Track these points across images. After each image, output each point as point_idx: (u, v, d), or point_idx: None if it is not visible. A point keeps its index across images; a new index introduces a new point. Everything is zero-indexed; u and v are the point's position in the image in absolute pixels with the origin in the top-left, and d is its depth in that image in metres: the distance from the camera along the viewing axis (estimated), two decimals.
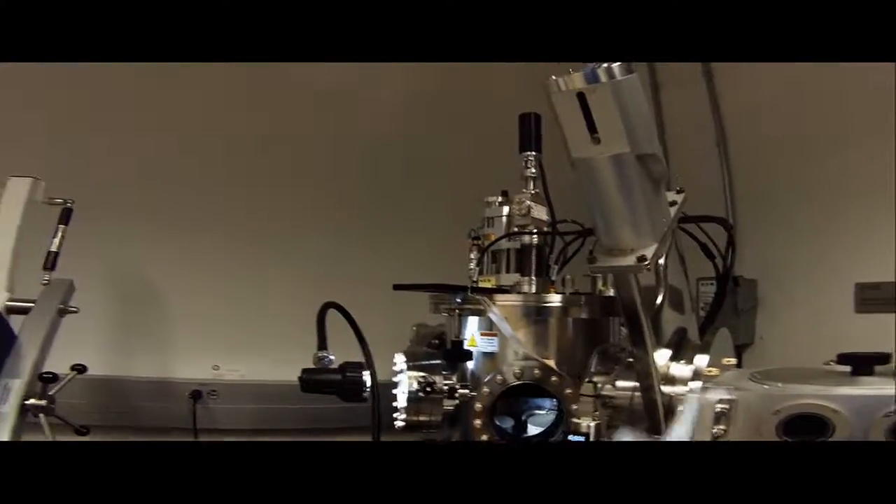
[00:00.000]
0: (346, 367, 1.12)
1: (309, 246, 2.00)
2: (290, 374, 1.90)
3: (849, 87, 1.70)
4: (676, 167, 2.37)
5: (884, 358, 0.87)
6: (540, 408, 1.03)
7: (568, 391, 0.95)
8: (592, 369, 0.95)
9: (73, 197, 1.45)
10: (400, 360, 1.11)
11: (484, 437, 0.94)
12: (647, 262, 0.75)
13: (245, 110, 1.90)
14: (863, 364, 0.87)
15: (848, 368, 0.88)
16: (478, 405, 0.97)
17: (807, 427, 0.78)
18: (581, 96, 0.69)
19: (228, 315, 1.89)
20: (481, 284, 1.17)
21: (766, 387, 0.84)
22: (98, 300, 1.68)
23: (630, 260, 0.76)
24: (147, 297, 1.87)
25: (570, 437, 0.86)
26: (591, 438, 0.84)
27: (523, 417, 1.03)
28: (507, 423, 1.03)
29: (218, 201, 1.90)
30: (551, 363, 0.98)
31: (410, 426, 1.06)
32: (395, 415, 1.09)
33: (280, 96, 1.91)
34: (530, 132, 1.24)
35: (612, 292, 1.11)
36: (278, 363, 1.85)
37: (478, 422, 0.97)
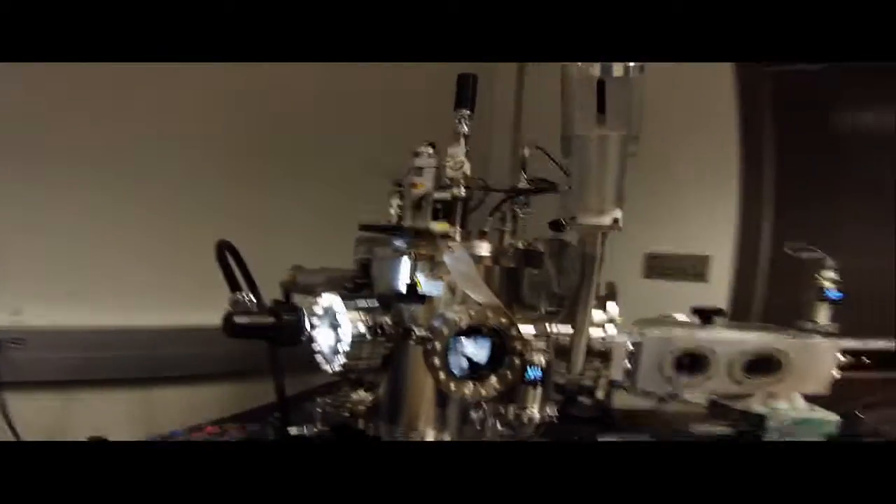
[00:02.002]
0: (278, 307, 1.06)
1: (160, 177, 1.74)
2: (116, 319, 1.68)
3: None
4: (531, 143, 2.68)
5: (720, 311, 1.20)
6: (475, 347, 1.12)
7: (513, 332, 1.07)
8: (544, 312, 1.09)
9: None
10: (336, 302, 1.09)
11: (441, 376, 1.00)
12: (620, 224, 0.91)
13: None
14: (709, 316, 1.19)
15: (697, 319, 1.20)
16: (437, 345, 1.03)
17: (690, 362, 1.06)
18: (601, 83, 0.79)
19: (36, 252, 1.55)
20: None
21: (658, 331, 1.09)
22: None
23: (607, 220, 0.91)
24: None
25: (528, 371, 0.99)
26: (543, 371, 0.99)
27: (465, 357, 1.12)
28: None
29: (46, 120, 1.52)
30: (500, 304, 1.08)
31: (348, 370, 1.06)
32: (320, 357, 1.07)
33: None
34: (468, 91, 1.29)
35: (519, 245, 1.26)
36: (101, 308, 1.61)
37: (436, 360, 1.03)
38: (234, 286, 1.12)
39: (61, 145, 1.58)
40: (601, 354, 1.07)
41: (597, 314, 1.09)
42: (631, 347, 1.07)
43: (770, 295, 2.15)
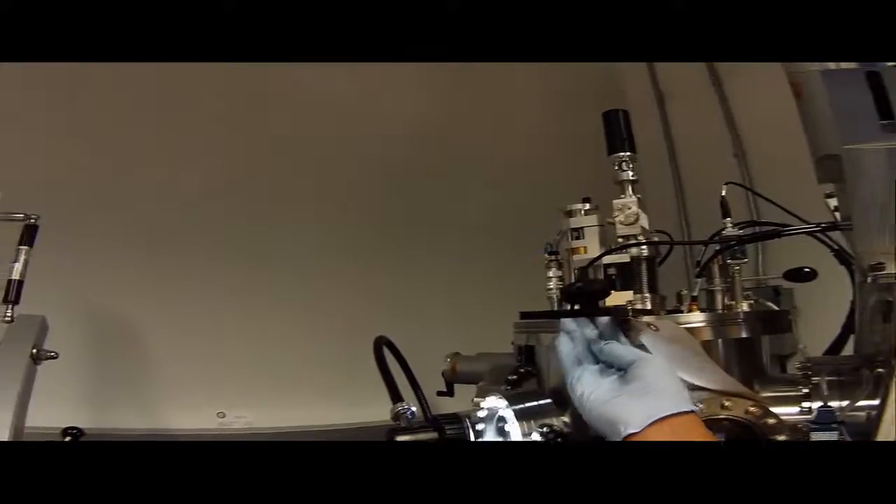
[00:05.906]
0: (439, 420, 0.89)
1: (317, 270, 1.78)
2: (305, 418, 1.67)
3: None
4: (691, 182, 2.32)
5: None
6: None
7: (770, 421, 0.79)
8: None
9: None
10: (500, 404, 0.90)
11: None
12: None
13: (244, 109, 1.64)
14: None
15: None
16: None
17: None
18: (876, 77, 0.54)
19: (229, 352, 1.62)
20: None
21: None
22: (69, 342, 1.39)
23: None
24: (124, 335, 1.56)
25: None
26: None
27: None
28: None
29: (213, 219, 1.63)
30: (752, 394, 0.81)
31: None
32: None
33: (284, 98, 1.67)
34: (620, 130, 1.07)
35: (745, 307, 0.97)
36: (290, 407, 1.61)
37: None
38: (395, 395, 1.00)
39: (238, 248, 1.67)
40: None
41: None
42: None
43: None
